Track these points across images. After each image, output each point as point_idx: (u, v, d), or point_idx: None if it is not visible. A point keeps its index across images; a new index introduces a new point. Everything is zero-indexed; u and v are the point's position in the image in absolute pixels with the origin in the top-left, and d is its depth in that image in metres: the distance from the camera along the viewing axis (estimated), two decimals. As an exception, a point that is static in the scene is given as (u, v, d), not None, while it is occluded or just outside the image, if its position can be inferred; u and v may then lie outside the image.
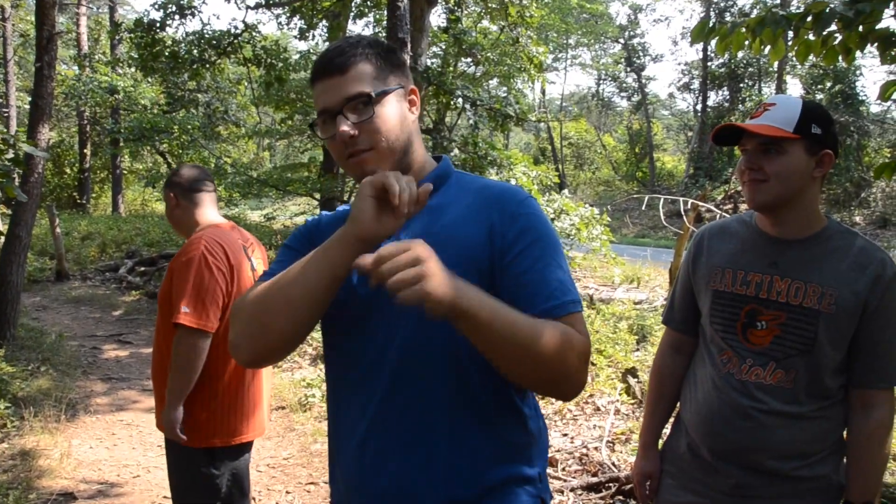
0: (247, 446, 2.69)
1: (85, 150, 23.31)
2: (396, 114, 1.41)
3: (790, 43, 3.33)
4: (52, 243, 12.77)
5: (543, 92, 38.06)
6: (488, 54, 12.94)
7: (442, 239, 1.30)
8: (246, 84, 20.81)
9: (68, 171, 25.02)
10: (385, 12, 15.09)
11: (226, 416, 2.56)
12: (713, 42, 3.33)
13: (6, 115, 18.67)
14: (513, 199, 1.43)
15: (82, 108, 22.42)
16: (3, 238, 6.94)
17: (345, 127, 1.35)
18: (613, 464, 4.15)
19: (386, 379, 1.38)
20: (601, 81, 42.34)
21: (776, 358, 1.79)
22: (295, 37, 16.34)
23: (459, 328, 1.18)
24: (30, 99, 7.80)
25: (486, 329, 1.18)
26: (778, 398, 1.79)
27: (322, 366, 6.66)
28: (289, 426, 5.39)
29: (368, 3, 14.71)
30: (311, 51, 18.66)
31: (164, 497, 4.11)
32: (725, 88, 31.64)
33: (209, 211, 2.74)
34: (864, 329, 1.74)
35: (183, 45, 12.43)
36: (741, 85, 30.89)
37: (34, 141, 6.67)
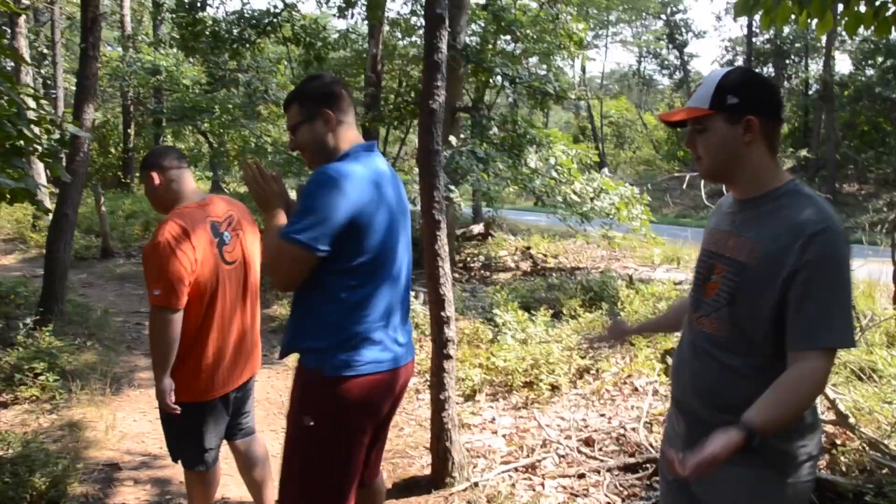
0: (225, 398, 3.04)
1: (129, 131, 23.67)
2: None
3: (839, 15, 3.23)
4: (98, 222, 13.02)
5: (584, 69, 37.65)
6: (527, 31, 12.78)
7: None
8: (285, 63, 20.87)
9: (113, 150, 25.44)
10: (423, -10, 15.01)
11: (199, 372, 2.91)
12: (758, 16, 3.25)
13: (54, 96, 19.01)
14: None
15: (126, 88, 22.73)
16: (51, 216, 7.09)
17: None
18: (651, 445, 4.13)
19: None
20: (642, 59, 41.69)
21: (715, 308, 1.88)
22: (334, 15, 16.30)
23: None
24: (76, 80, 7.93)
25: None
26: (715, 345, 1.88)
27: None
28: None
29: (407, -20, 14.64)
30: (350, 29, 18.66)
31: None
32: (770, 65, 30.94)
33: (184, 189, 3.00)
34: (790, 289, 1.74)
35: (223, 24, 12.53)
36: (787, 61, 30.21)
37: (79, 122, 6.78)
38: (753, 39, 30.92)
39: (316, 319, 2.31)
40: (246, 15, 12.59)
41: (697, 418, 1.94)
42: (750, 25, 30.12)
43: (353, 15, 15.25)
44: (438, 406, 3.71)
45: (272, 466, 3.30)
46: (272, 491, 3.27)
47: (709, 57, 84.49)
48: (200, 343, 2.91)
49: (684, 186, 6.56)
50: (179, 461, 3.09)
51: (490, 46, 12.12)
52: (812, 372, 1.72)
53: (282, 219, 2.35)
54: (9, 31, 14.53)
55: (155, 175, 2.96)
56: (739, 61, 33.96)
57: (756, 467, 1.81)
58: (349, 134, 2.43)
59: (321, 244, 2.17)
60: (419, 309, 7.06)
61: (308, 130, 2.38)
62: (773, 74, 30.84)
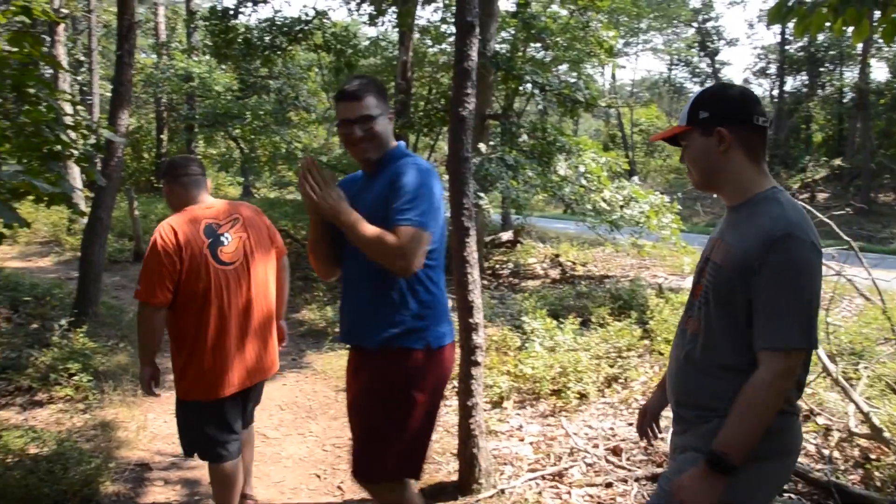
0: (226, 400, 3.15)
1: (162, 136, 24.01)
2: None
3: (875, 23, 3.19)
4: (131, 225, 13.21)
5: (614, 77, 37.49)
6: (558, 39, 12.77)
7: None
8: (316, 70, 21.04)
9: (146, 155, 25.80)
10: (454, -3, 15.05)
11: (198, 376, 3.09)
12: (791, 24, 3.22)
13: (90, 102, 19.34)
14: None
15: (160, 94, 23.06)
16: (86, 220, 7.21)
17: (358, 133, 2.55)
18: (680, 454, 4.09)
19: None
20: (673, 66, 41.38)
21: (697, 308, 2.00)
22: (364, 23, 16.43)
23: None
24: (111, 87, 8.07)
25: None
26: (695, 346, 1.98)
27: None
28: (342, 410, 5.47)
29: (437, -12, 14.69)
30: (381, 36, 18.76)
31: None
32: (804, 73, 30.57)
33: (192, 195, 3.24)
34: (753, 290, 1.82)
35: (255, 31, 12.66)
36: (821, 69, 29.82)
37: (114, 127, 6.91)
38: (787, 47, 30.59)
39: (411, 303, 2.54)
40: (278, 22, 12.71)
41: (682, 419, 2.02)
42: (783, 33, 29.81)
43: (383, 22, 15.30)
44: (466, 412, 3.71)
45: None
46: (251, 455, 3.65)
47: (741, 65, 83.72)
48: (201, 343, 3.07)
49: (715, 195, 6.52)
50: (196, 455, 3.24)
51: (520, 54, 12.14)
52: (768, 375, 1.78)
53: (360, 220, 2.44)
54: (49, 39, 14.82)
55: (165, 183, 3.30)
56: (772, 69, 33.65)
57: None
58: None
59: (437, 228, 2.50)
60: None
61: (384, 122, 2.61)
62: (806, 82, 30.49)
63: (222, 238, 3.16)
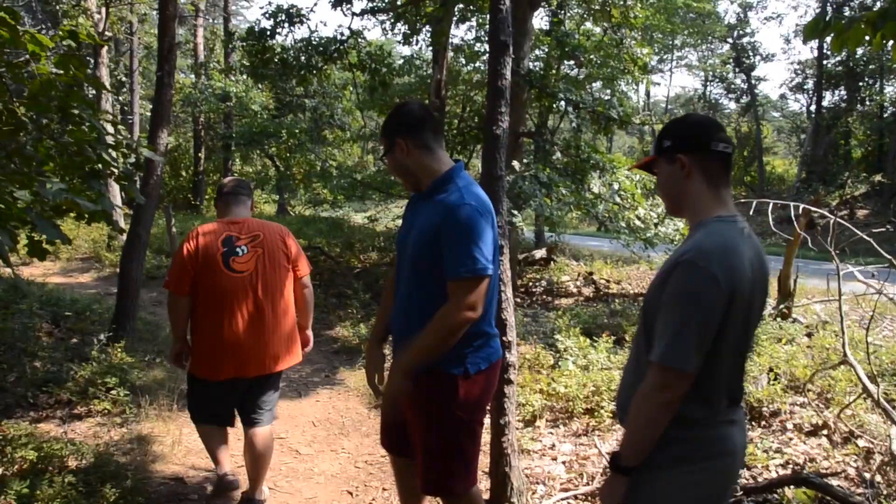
0: (223, 383, 3.72)
1: (199, 154, 24.41)
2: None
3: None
4: (168, 242, 13.42)
5: (648, 94, 37.32)
6: (591, 56, 12.77)
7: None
8: (351, 89, 21.24)
9: (184, 174, 26.24)
10: (487, 16, 15.13)
11: (200, 358, 3.73)
12: (829, 39, 3.18)
13: (130, 121, 19.78)
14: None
15: (198, 114, 23.47)
16: (125, 236, 7.34)
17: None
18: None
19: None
20: (708, 83, 41.07)
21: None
22: (399, 42, 16.55)
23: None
24: (151, 106, 8.24)
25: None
26: (631, 352, 2.19)
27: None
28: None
29: (471, 7, 14.78)
30: (415, 55, 18.89)
31: (267, 488, 4.27)
32: (842, 88, 30.15)
33: (228, 210, 3.87)
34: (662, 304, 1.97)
35: (291, 51, 12.83)
36: (860, 84, 29.38)
37: (154, 146, 7.03)
38: (824, 62, 30.22)
39: None
40: (313, 42, 12.88)
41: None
42: (821, 48, 29.47)
43: (417, 41, 15.42)
44: (498, 431, 3.70)
45: (273, 456, 4.03)
46: (262, 471, 3.90)
47: (777, 80, 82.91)
48: (201, 331, 3.70)
49: (751, 212, 6.41)
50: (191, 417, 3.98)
51: (553, 71, 12.16)
52: (646, 386, 1.95)
53: (416, 349, 2.60)
54: (92, 61, 15.18)
55: (215, 198, 4.03)
56: (809, 84, 33.25)
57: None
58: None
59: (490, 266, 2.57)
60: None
61: (395, 157, 2.81)
62: (844, 97, 30.05)
63: (237, 249, 3.69)
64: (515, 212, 8.22)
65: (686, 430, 1.98)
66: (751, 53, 35.46)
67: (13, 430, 4.42)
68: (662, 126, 2.16)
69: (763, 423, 4.87)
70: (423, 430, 2.74)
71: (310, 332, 4.14)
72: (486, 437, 4.73)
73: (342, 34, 12.96)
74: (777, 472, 4.08)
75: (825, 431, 4.62)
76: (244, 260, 3.68)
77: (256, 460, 3.83)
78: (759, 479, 3.98)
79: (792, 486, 3.66)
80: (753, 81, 36.11)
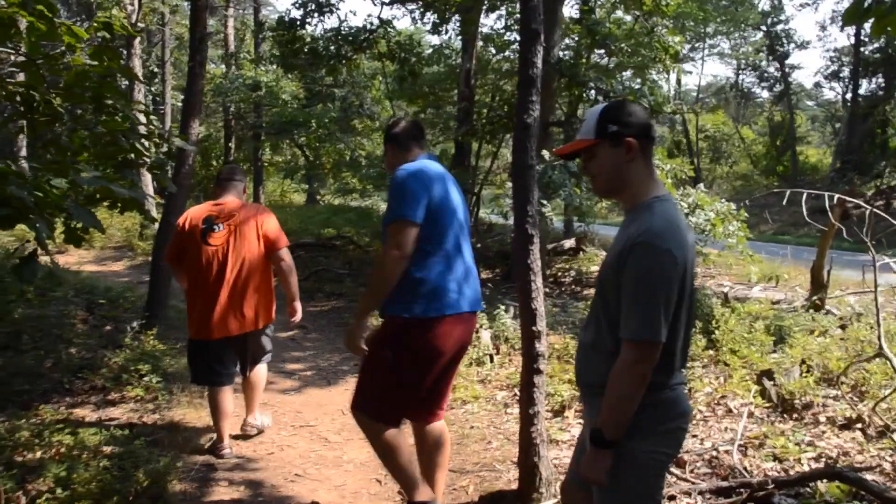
0: (211, 342, 4.41)
1: (230, 144, 24.56)
2: None
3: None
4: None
5: (679, 82, 36.88)
6: (622, 45, 12.64)
7: None
8: (380, 78, 21.27)
9: (214, 163, 26.42)
10: (517, 5, 15.04)
11: (191, 321, 4.47)
12: (867, 25, 3.11)
13: (162, 112, 19.99)
14: None
15: (228, 103, 23.63)
16: (157, 225, 7.43)
17: None
18: (745, 469, 4.00)
19: None
20: (741, 71, 40.49)
21: (594, 298, 2.36)
22: (428, 31, 16.52)
23: None
24: (182, 97, 8.32)
25: None
26: (586, 330, 2.35)
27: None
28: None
29: (500, -4, 14.71)
30: (444, 45, 18.84)
31: (296, 475, 4.31)
32: (880, 75, 29.54)
33: (218, 194, 4.59)
34: (621, 286, 2.12)
35: (321, 41, 12.88)
36: (899, 71, 28.76)
37: (186, 135, 7.10)
38: (861, 49, 29.63)
39: (403, 281, 3.16)
40: (343, 32, 12.92)
41: (581, 395, 2.42)
42: (858, 34, 28.88)
43: (447, 30, 15.38)
44: (528, 421, 3.70)
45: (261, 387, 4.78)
46: (254, 397, 4.75)
47: (812, 68, 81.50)
48: (193, 298, 4.42)
49: (784, 202, 6.36)
50: (196, 382, 4.75)
51: (583, 61, 12.05)
52: (623, 362, 2.09)
53: (363, 298, 3.46)
54: (125, 52, 15.35)
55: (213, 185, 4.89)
56: (845, 72, 32.64)
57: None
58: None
59: (415, 215, 3.17)
60: (509, 323, 7.05)
61: (388, 156, 3.65)
62: (882, 85, 29.46)
63: (215, 227, 4.39)
64: (544, 201, 8.20)
65: (655, 394, 2.14)
66: (785, 41, 34.85)
67: (50, 415, 4.51)
68: (601, 111, 2.27)
69: (795, 415, 4.81)
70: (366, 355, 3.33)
71: (297, 304, 4.70)
72: (515, 427, 4.74)
73: (371, 24, 12.99)
74: (809, 466, 4.03)
75: (859, 425, 4.55)
76: (218, 235, 4.39)
77: (250, 388, 4.69)
78: (791, 473, 3.93)
79: (825, 480, 3.62)
80: (787, 69, 35.54)
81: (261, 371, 4.71)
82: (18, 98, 3.72)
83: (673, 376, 2.20)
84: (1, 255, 9.17)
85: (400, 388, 3.23)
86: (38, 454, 3.97)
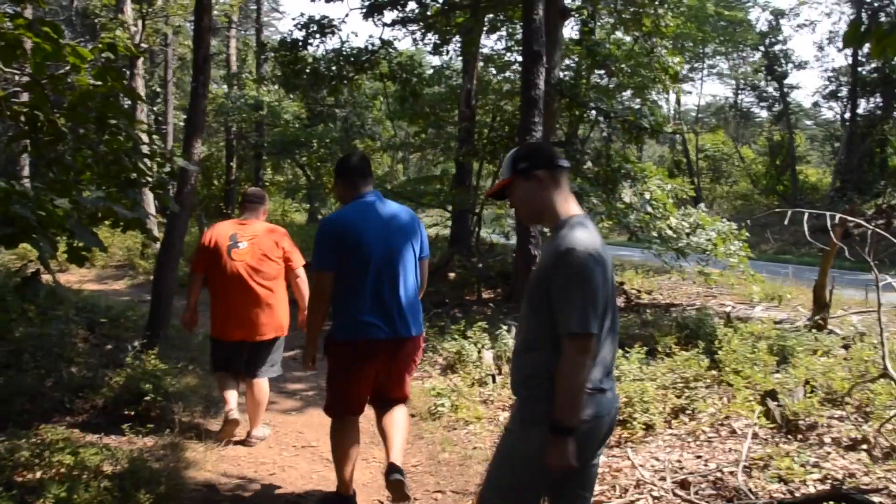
0: (231, 342, 5.00)
1: (231, 164, 24.64)
2: None
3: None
4: (200, 250, 13.55)
5: (678, 102, 37.05)
6: (622, 65, 12.72)
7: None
8: (381, 99, 21.36)
9: (216, 182, 26.51)
10: (518, 26, 15.15)
11: (214, 323, 5.04)
12: (866, 46, 3.13)
13: (164, 131, 20.05)
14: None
15: (230, 123, 23.72)
16: (159, 244, 7.43)
17: None
18: (750, 490, 3.97)
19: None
20: (739, 91, 40.64)
21: (522, 307, 2.67)
22: (429, 52, 16.62)
23: None
24: (184, 116, 8.35)
25: None
26: (518, 335, 2.70)
27: (452, 376, 6.76)
28: (418, 434, 5.48)
29: (501, 17, 14.82)
30: (445, 66, 18.95)
31: (298, 495, 4.29)
32: (878, 95, 29.64)
33: (243, 215, 5.18)
34: (551, 292, 2.43)
35: (323, 62, 12.95)
36: (896, 91, 28.87)
37: (188, 155, 7.11)
38: (859, 69, 29.77)
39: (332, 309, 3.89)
40: (345, 53, 12.99)
41: (513, 391, 2.69)
42: (855, 55, 29.00)
43: (447, 51, 15.48)
44: (530, 441, 3.67)
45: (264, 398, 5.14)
46: (258, 412, 5.13)
47: (810, 88, 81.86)
48: (216, 303, 4.97)
49: (785, 222, 6.37)
50: (213, 370, 5.31)
51: (584, 81, 12.11)
52: (565, 354, 2.38)
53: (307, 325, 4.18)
54: (128, 72, 15.43)
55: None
56: (844, 92, 32.75)
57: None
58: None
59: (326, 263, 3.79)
60: (510, 343, 7.03)
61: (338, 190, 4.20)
62: (880, 104, 29.55)
63: (239, 244, 4.91)
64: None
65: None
66: (783, 61, 35.01)
67: (51, 434, 4.48)
68: (512, 154, 2.71)
69: (799, 436, 4.78)
70: None
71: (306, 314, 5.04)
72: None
73: (373, 45, 13.07)
74: (815, 487, 4.00)
75: (865, 446, 4.52)
76: (242, 251, 4.90)
77: (254, 404, 5.05)
78: (797, 494, 3.91)
79: (831, 502, 3.59)
80: (786, 89, 35.66)
81: (264, 386, 5.09)
82: (23, 118, 3.73)
83: (600, 377, 2.50)
84: (2, 273, 9.17)
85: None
86: (39, 474, 3.94)
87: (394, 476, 3.74)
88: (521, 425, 2.55)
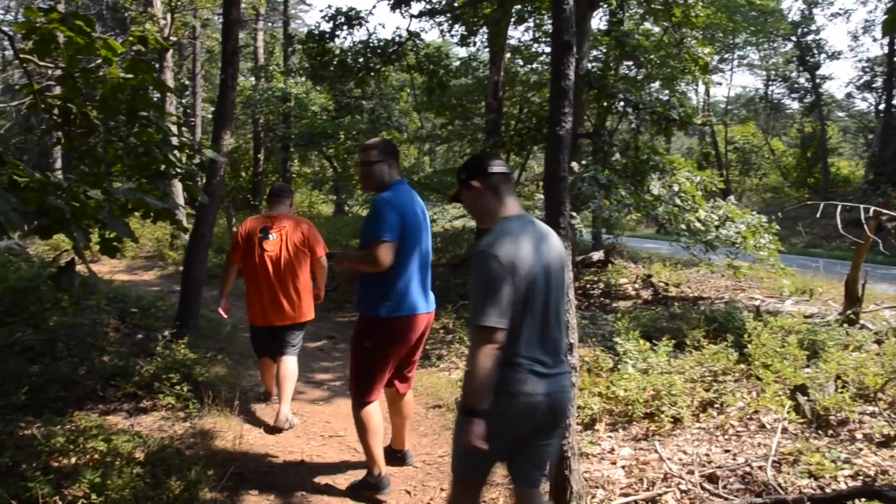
0: (265, 328, 5.46)
1: (259, 155, 24.77)
2: None
3: None
4: (229, 241, 13.67)
5: (707, 93, 36.62)
6: (651, 56, 12.59)
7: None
8: (408, 90, 21.35)
9: (243, 174, 26.68)
10: (545, 17, 15.06)
11: (249, 310, 5.48)
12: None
13: (192, 123, 20.21)
14: None
15: (257, 115, 23.84)
16: (188, 235, 7.50)
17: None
18: (780, 485, 3.93)
19: None
20: (770, 82, 40.01)
21: None
22: (456, 44, 16.59)
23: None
24: (212, 109, 8.43)
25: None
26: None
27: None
28: (445, 425, 5.50)
29: (529, 7, 14.73)
30: (472, 57, 18.89)
31: (327, 484, 4.32)
32: (914, 85, 29.06)
33: (272, 209, 5.58)
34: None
35: (350, 54, 12.96)
36: (933, 81, 28.29)
37: (217, 147, 7.17)
38: (895, 58, 29.19)
39: (372, 287, 4.06)
40: (372, 44, 12.99)
41: None
42: (891, 44, 28.45)
43: (474, 43, 15.42)
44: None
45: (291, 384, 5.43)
46: (286, 389, 5.38)
47: (843, 78, 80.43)
48: (247, 291, 5.41)
49: (817, 215, 6.28)
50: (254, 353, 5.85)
51: (612, 72, 12.02)
52: (471, 344, 2.71)
53: (350, 257, 4.42)
54: (157, 65, 15.57)
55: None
56: (878, 82, 32.13)
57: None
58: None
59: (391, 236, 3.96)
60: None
61: (379, 169, 4.19)
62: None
63: (270, 235, 5.33)
64: (574, 213, 8.16)
65: (498, 369, 2.67)
66: (815, 51, 34.42)
67: (84, 421, 4.56)
68: (459, 168, 3.11)
69: (830, 431, 4.73)
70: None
71: (322, 292, 5.72)
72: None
73: (400, 36, 13.05)
74: (846, 484, 3.96)
75: (897, 442, 4.46)
76: (272, 242, 5.32)
77: (282, 380, 5.35)
78: (828, 490, 3.86)
79: (863, 499, 3.55)
80: (818, 80, 35.05)
81: (291, 363, 5.44)
82: (56, 110, 3.78)
83: (519, 358, 2.75)
84: (37, 264, 9.32)
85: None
86: (73, 460, 4.02)
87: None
88: (460, 412, 2.78)
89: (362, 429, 4.15)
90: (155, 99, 14.39)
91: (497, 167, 2.99)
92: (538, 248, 2.80)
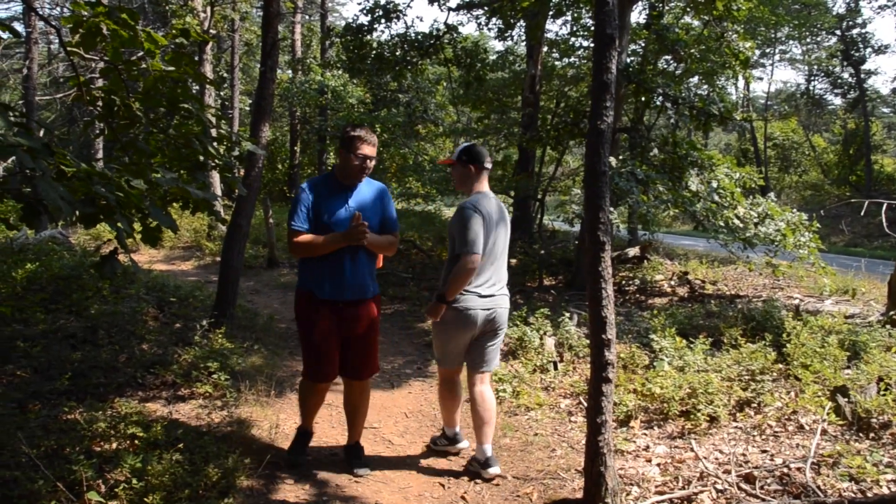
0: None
1: (295, 148, 24.93)
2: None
3: None
4: (265, 233, 13.81)
5: (748, 88, 36.06)
6: (691, 51, 12.41)
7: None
8: (445, 84, 21.33)
9: (280, 166, 26.87)
10: (584, 10, 14.94)
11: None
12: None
13: (230, 116, 20.39)
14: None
15: (294, 108, 23.98)
16: (225, 227, 7.57)
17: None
18: (819, 487, 3.87)
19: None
20: (812, 77, 39.19)
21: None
22: (493, 37, 16.52)
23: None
24: (249, 101, 8.51)
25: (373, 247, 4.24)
26: (448, 261, 4.40)
27: (513, 362, 6.74)
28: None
29: (566, 1, 14.63)
30: (509, 51, 18.80)
31: (360, 476, 4.34)
32: (962, 83, 28.28)
33: None
34: (455, 229, 4.23)
35: (388, 47, 12.99)
36: (981, 79, 27.50)
37: (256, 139, 7.23)
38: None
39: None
40: (409, 38, 13.01)
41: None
42: (938, 41, 27.71)
43: (512, 36, 15.36)
44: (595, 429, 3.65)
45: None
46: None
47: (890, 73, 78.50)
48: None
49: (861, 213, 6.13)
50: None
51: (651, 66, 11.89)
52: (459, 264, 4.11)
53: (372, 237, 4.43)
54: (197, 57, 15.75)
55: None
56: (925, 80, 31.28)
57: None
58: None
59: None
60: (573, 330, 6.99)
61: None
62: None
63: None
64: (611, 208, 8.09)
65: (465, 294, 4.22)
66: (861, 45, 33.62)
67: (125, 407, 4.64)
68: (463, 148, 4.40)
69: (871, 434, 4.64)
70: None
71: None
72: (579, 435, 4.71)
73: (438, 29, 13.04)
74: (889, 489, 3.88)
75: (941, 446, 4.36)
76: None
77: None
78: (869, 494, 3.80)
79: (905, 502, 3.48)
80: (863, 75, 34.27)
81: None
82: (100, 102, 3.84)
83: (475, 284, 4.22)
84: (78, 253, 9.50)
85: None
86: (114, 445, 4.10)
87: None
88: (436, 298, 4.27)
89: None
90: (194, 91, 14.57)
91: (488, 163, 4.39)
92: (497, 212, 4.30)
